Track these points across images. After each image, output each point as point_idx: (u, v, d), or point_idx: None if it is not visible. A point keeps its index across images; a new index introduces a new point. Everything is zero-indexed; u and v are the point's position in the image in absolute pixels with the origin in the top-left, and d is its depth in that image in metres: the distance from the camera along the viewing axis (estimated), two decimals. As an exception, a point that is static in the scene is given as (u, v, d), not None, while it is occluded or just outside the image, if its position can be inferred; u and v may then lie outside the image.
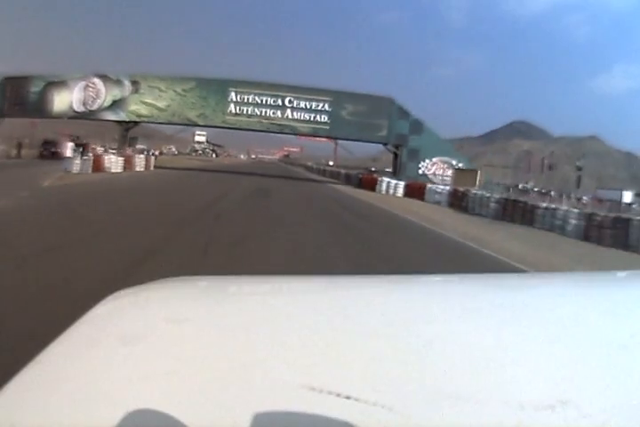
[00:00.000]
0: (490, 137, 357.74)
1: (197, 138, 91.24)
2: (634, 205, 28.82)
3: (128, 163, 20.57)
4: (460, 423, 0.36)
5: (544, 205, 13.62)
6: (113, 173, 18.34)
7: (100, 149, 29.76)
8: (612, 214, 11.85)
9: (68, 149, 26.10)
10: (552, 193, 33.97)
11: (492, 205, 15.04)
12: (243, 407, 0.37)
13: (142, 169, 22.18)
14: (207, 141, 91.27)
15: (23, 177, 14.15)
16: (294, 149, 58.23)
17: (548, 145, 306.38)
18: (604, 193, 38.21)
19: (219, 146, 71.07)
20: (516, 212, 13.79)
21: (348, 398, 0.37)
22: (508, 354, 0.45)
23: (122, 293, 0.59)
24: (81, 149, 24.28)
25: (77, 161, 17.11)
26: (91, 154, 20.58)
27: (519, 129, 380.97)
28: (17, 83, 28.65)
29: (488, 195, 15.98)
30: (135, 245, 5.35)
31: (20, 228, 6.01)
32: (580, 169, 56.55)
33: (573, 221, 11.76)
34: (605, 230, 10.72)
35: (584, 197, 28.91)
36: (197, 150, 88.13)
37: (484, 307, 0.56)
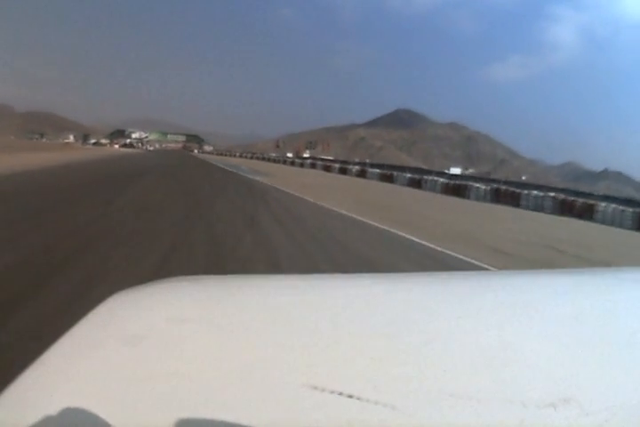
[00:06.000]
0: (373, 124, 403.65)
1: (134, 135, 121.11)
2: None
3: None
4: (461, 422, 0.36)
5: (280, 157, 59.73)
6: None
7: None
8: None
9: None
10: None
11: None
12: (244, 407, 0.37)
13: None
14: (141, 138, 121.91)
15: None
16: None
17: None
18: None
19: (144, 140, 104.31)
20: (253, 157, 63.78)
21: (349, 397, 0.37)
22: (509, 352, 0.44)
23: (122, 293, 0.58)
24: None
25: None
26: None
27: (402, 116, 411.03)
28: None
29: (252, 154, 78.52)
30: (169, 155, 54.03)
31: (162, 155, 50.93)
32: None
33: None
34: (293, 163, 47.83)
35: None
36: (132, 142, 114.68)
37: (484, 305, 0.54)
